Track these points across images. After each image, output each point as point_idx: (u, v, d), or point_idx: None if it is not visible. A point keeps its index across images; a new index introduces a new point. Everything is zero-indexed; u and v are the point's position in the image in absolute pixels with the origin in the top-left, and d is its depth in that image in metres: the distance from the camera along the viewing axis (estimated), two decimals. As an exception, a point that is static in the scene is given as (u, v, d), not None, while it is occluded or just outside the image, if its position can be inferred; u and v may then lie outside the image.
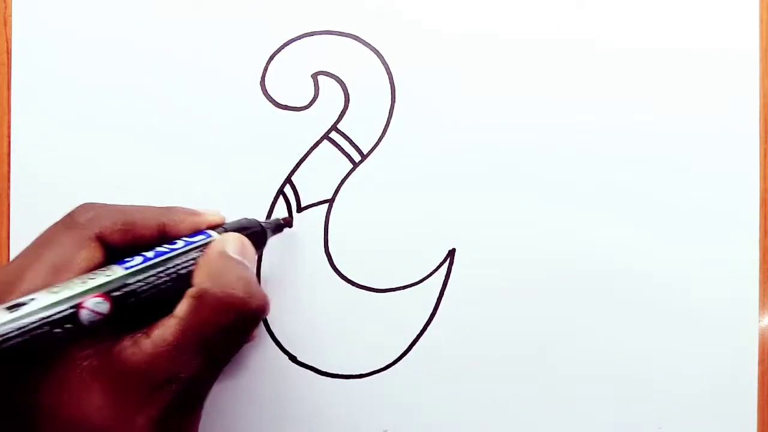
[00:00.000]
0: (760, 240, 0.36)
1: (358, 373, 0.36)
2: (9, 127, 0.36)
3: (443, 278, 0.36)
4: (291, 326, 0.35)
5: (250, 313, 0.26)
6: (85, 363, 0.23)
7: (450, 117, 0.36)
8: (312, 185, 0.36)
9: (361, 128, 0.36)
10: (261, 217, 0.35)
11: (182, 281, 0.26)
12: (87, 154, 0.36)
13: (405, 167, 0.36)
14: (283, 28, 0.36)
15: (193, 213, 0.29)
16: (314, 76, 0.36)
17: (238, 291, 0.25)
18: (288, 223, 0.35)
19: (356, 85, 0.36)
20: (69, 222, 0.26)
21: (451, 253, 0.36)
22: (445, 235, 0.36)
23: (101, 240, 0.26)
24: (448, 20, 0.36)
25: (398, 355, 0.36)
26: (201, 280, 0.26)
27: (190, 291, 0.25)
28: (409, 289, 0.36)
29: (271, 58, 0.36)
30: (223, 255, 0.27)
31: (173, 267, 0.26)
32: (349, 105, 0.36)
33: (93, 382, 0.23)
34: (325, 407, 0.35)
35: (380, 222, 0.36)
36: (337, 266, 0.36)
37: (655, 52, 0.36)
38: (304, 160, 0.36)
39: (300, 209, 0.36)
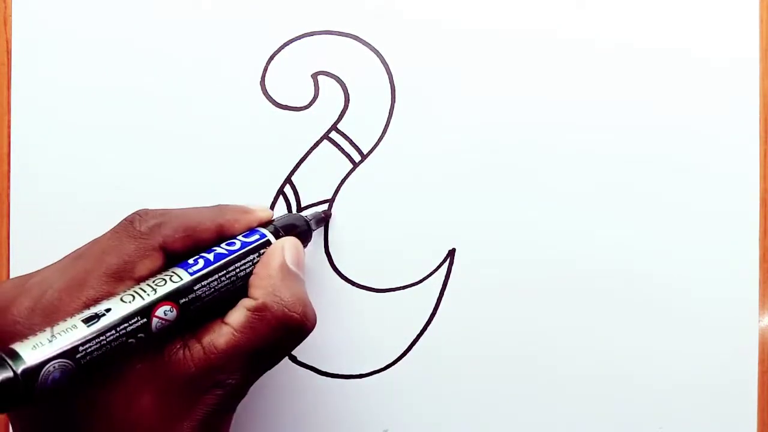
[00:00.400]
0: (760, 240, 0.36)
1: (358, 373, 0.36)
2: (9, 127, 0.36)
3: (443, 278, 0.36)
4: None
5: (303, 333, 0.26)
6: (139, 365, 0.24)
7: (450, 117, 0.36)
8: (312, 185, 0.36)
9: (361, 128, 0.36)
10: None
11: (239, 285, 0.27)
12: (87, 153, 0.36)
13: (405, 167, 0.36)
14: (283, 28, 0.36)
15: (245, 211, 0.29)
16: (314, 76, 0.36)
17: (297, 312, 0.26)
18: (328, 216, 0.35)
19: (356, 85, 0.36)
20: (130, 230, 0.26)
21: (451, 253, 0.36)
22: (445, 235, 0.36)
23: (164, 248, 0.26)
24: (448, 20, 0.36)
25: (398, 355, 0.36)
26: (261, 293, 0.26)
27: (248, 303, 0.26)
28: (409, 289, 0.36)
29: (271, 58, 0.36)
30: (284, 268, 0.27)
31: (233, 270, 0.26)
32: (349, 105, 0.36)
33: (145, 384, 0.24)
34: (325, 407, 0.35)
35: (380, 222, 0.36)
36: (337, 266, 0.36)
37: (655, 52, 0.36)
38: (304, 160, 0.36)
39: (300, 209, 0.36)
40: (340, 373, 0.36)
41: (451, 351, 0.36)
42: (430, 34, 0.36)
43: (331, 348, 0.36)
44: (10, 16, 0.36)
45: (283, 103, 0.36)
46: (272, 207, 0.36)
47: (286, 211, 0.36)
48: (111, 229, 0.26)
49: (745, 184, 0.36)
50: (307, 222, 0.32)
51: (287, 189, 0.36)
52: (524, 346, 0.36)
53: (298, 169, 0.36)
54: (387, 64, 0.36)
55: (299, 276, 0.28)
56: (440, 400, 0.36)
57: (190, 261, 0.26)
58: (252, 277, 0.27)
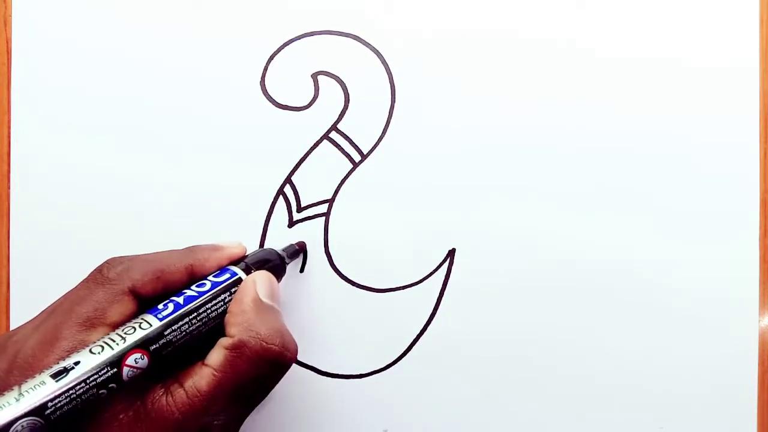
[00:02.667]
0: (760, 240, 0.36)
1: (358, 373, 0.36)
2: (9, 127, 0.36)
3: (443, 278, 0.36)
4: (291, 326, 0.35)
5: (284, 365, 0.27)
6: (121, 416, 0.24)
7: (450, 117, 0.36)
8: (312, 185, 0.36)
9: (361, 128, 0.36)
10: (261, 218, 0.35)
11: (213, 326, 0.27)
12: (87, 153, 0.36)
13: (405, 167, 0.36)
14: (283, 28, 0.36)
15: (215, 248, 0.29)
16: (314, 76, 0.36)
17: (275, 344, 0.26)
18: (302, 247, 0.35)
19: (356, 85, 0.36)
20: (99, 278, 0.26)
21: (451, 253, 0.36)
22: (445, 235, 0.36)
23: (133, 292, 0.26)
24: (448, 21, 0.36)
25: (398, 355, 0.36)
26: (237, 330, 0.26)
27: (225, 342, 0.26)
28: (409, 289, 0.36)
29: (271, 58, 0.36)
30: (257, 303, 0.27)
31: (204, 312, 0.26)
32: (349, 105, 0.36)
33: None
34: (325, 407, 0.35)
35: (380, 222, 0.36)
36: (337, 266, 0.36)
37: (655, 53, 0.36)
38: (304, 160, 0.36)
39: (300, 209, 0.36)
40: (340, 373, 0.36)
41: (451, 351, 0.36)
42: (430, 34, 0.36)
43: (330, 348, 0.36)
44: (10, 16, 0.36)
45: (283, 103, 0.36)
46: (272, 207, 0.36)
47: (286, 211, 0.36)
48: (81, 281, 0.26)
49: (745, 184, 0.36)
50: (279, 255, 0.32)
51: (287, 189, 0.36)
52: (524, 346, 0.36)
53: (298, 169, 0.36)
54: (387, 64, 0.36)
55: (274, 308, 0.28)
56: (440, 400, 0.36)
57: (160, 306, 0.26)
58: (227, 316, 0.27)
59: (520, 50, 0.36)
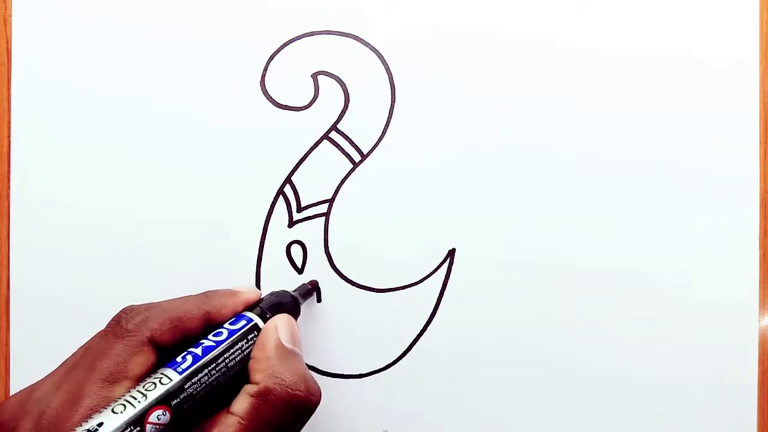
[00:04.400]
0: (760, 240, 0.36)
1: (358, 373, 0.36)
2: (9, 127, 0.36)
3: (443, 278, 0.36)
4: (291, 326, 0.35)
5: (310, 410, 0.27)
6: None
7: (450, 117, 0.36)
8: (312, 185, 0.36)
9: (361, 128, 0.36)
10: (261, 218, 0.35)
11: (232, 374, 0.27)
12: (87, 153, 0.36)
13: (405, 167, 0.36)
14: (283, 28, 0.36)
15: (231, 294, 0.30)
16: (314, 76, 0.36)
17: (300, 390, 0.26)
18: (314, 286, 0.35)
19: (356, 85, 0.36)
20: (118, 330, 0.26)
21: (451, 253, 0.36)
22: (445, 235, 0.36)
23: (153, 342, 0.26)
24: (448, 20, 0.36)
25: (398, 355, 0.36)
26: (262, 377, 0.26)
27: (251, 389, 0.26)
28: (409, 289, 0.36)
29: (271, 58, 0.36)
30: (280, 348, 0.27)
31: (223, 362, 0.27)
32: (349, 105, 0.36)
33: None
34: (325, 407, 0.35)
35: (380, 222, 0.36)
36: (337, 266, 0.36)
37: (655, 53, 0.36)
38: (304, 160, 0.36)
39: (300, 209, 0.36)
40: (340, 373, 0.36)
41: (451, 351, 0.36)
42: (430, 34, 0.36)
43: (331, 348, 0.36)
44: (10, 16, 0.36)
45: (283, 103, 0.36)
46: (272, 207, 0.36)
47: (286, 211, 0.36)
48: (99, 332, 0.26)
49: (745, 184, 0.36)
50: (293, 297, 0.32)
51: (287, 189, 0.36)
52: (524, 346, 0.36)
53: (298, 169, 0.36)
54: (387, 64, 0.36)
55: (296, 353, 0.28)
56: (440, 400, 0.36)
57: (179, 359, 0.26)
58: (251, 362, 0.27)
59: (520, 50, 0.36)
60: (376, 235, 0.36)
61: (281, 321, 0.29)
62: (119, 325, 0.26)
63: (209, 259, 0.35)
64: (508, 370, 0.36)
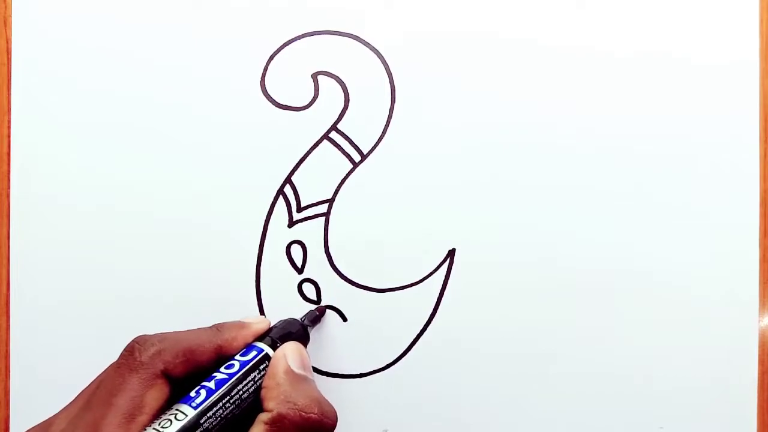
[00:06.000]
0: (760, 240, 0.36)
1: (358, 373, 0.36)
2: (9, 127, 0.36)
3: (443, 278, 0.36)
4: (291, 326, 0.35)
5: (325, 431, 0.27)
6: None
7: (450, 117, 0.36)
8: (312, 185, 0.36)
9: (361, 128, 0.36)
10: (261, 218, 0.35)
11: (246, 405, 0.27)
12: (87, 153, 0.36)
13: (405, 167, 0.36)
14: (283, 28, 0.36)
15: (242, 326, 0.30)
16: (314, 76, 0.36)
17: (314, 412, 0.26)
18: (322, 312, 0.35)
19: (356, 85, 0.36)
20: (132, 363, 0.26)
21: (451, 253, 0.36)
22: (445, 235, 0.36)
23: (166, 375, 0.26)
24: (448, 20, 0.36)
25: (398, 355, 0.36)
26: (274, 404, 0.26)
27: (265, 417, 0.26)
28: (409, 289, 0.36)
29: (271, 58, 0.36)
30: (290, 374, 0.28)
31: (236, 394, 0.27)
32: (349, 105, 0.36)
33: None
34: (325, 407, 0.35)
35: (380, 222, 0.36)
36: (337, 266, 0.36)
37: (655, 53, 0.36)
38: (304, 160, 0.36)
39: (300, 209, 0.36)
40: (340, 372, 0.36)
41: (451, 351, 0.36)
42: (430, 34, 0.36)
43: (331, 348, 0.36)
44: (10, 16, 0.36)
45: (283, 103, 0.36)
46: (272, 207, 0.36)
47: (286, 211, 0.36)
48: (113, 364, 0.26)
49: (745, 184, 0.36)
50: (302, 325, 0.33)
51: (287, 189, 0.36)
52: (524, 346, 0.36)
53: (298, 169, 0.36)
54: (387, 64, 0.36)
55: (307, 377, 0.28)
56: (440, 400, 0.36)
57: (192, 393, 0.26)
58: (263, 391, 0.27)
59: (520, 50, 0.36)
60: (376, 235, 0.36)
61: (290, 348, 0.29)
62: (132, 356, 0.26)
63: (209, 259, 0.35)
64: (508, 370, 0.36)
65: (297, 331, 0.32)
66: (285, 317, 0.33)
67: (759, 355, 0.35)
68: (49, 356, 0.36)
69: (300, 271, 0.36)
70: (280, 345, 0.30)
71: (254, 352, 0.29)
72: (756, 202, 0.36)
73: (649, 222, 0.36)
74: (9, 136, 0.36)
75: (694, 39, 0.36)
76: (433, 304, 0.36)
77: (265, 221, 0.36)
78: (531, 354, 0.36)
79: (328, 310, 0.35)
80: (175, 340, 0.27)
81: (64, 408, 0.26)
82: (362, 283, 0.36)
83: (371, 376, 0.36)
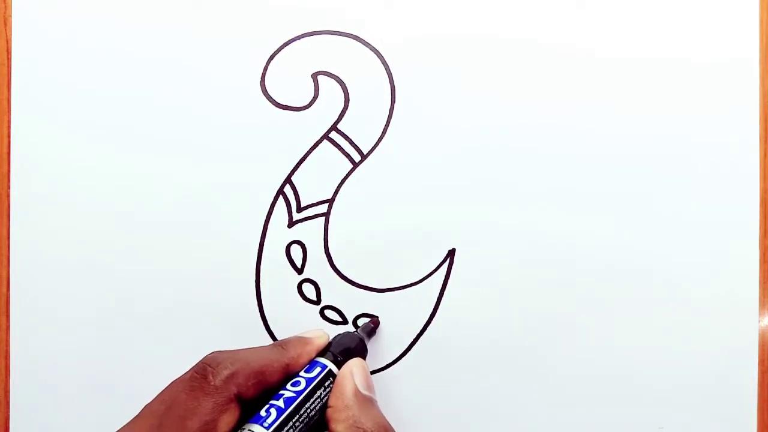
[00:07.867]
0: (760, 240, 0.36)
1: (358, 373, 0.36)
2: (9, 127, 0.36)
3: (443, 278, 0.36)
4: (291, 326, 0.35)
5: None
6: None
7: (450, 117, 0.36)
8: (312, 185, 0.36)
9: (361, 128, 0.36)
10: (261, 218, 0.36)
11: (312, 423, 0.27)
12: (87, 153, 0.36)
13: (405, 167, 0.36)
14: (283, 28, 0.36)
15: (305, 343, 0.30)
16: (314, 76, 0.36)
17: None
18: (377, 324, 0.35)
19: (356, 85, 0.36)
20: (205, 386, 0.26)
21: (451, 253, 0.36)
22: (445, 235, 0.36)
23: (238, 398, 0.26)
24: (448, 21, 0.36)
25: (398, 355, 0.36)
26: (343, 428, 0.26)
27: None
28: (409, 289, 0.36)
29: (271, 58, 0.36)
30: (358, 396, 0.28)
31: (305, 412, 0.27)
32: (349, 105, 0.36)
33: None
34: (325, 407, 0.35)
35: (380, 222, 0.36)
36: (337, 266, 0.36)
37: (655, 53, 0.36)
38: (304, 160, 0.36)
39: (300, 209, 0.36)
40: (340, 373, 0.36)
41: (451, 351, 0.36)
42: (431, 34, 0.36)
43: (331, 348, 0.36)
44: (10, 16, 0.36)
45: (283, 103, 0.36)
46: (272, 207, 0.36)
47: (285, 211, 0.36)
48: (181, 384, 0.26)
49: (745, 184, 0.36)
50: (360, 339, 0.33)
51: (287, 189, 0.36)
52: (524, 346, 0.36)
53: (298, 169, 0.36)
54: (387, 64, 0.36)
55: (374, 399, 0.29)
56: (440, 400, 0.36)
57: (263, 413, 0.26)
58: (329, 411, 0.27)
59: (520, 50, 0.36)
60: (376, 235, 0.36)
61: (356, 367, 0.29)
62: (206, 380, 0.26)
63: (209, 259, 0.35)
64: (508, 369, 0.36)
65: (357, 346, 0.32)
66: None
67: (759, 355, 0.35)
68: (49, 356, 0.36)
69: (300, 271, 0.36)
70: (341, 359, 0.30)
71: (318, 369, 0.29)
72: (756, 202, 0.36)
73: (649, 222, 0.36)
74: (9, 136, 0.36)
75: (694, 39, 0.36)
76: (433, 304, 0.36)
77: (265, 221, 0.36)
78: (531, 354, 0.36)
79: (326, 311, 0.35)
80: (245, 362, 0.27)
81: (130, 426, 0.26)
82: (362, 283, 0.36)
83: (371, 375, 0.35)
